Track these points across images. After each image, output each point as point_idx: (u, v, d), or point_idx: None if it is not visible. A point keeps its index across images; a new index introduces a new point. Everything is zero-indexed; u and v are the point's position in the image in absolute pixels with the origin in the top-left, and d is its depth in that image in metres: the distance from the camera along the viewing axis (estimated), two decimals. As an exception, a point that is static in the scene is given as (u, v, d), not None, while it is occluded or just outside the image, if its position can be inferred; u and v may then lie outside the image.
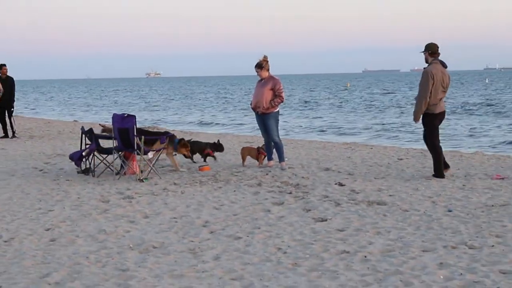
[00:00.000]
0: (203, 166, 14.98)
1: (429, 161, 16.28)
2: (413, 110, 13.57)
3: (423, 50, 13.49)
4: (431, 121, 13.42)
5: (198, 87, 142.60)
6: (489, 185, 12.37)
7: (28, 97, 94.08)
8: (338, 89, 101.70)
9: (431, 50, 13.40)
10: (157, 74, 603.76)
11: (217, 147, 16.20)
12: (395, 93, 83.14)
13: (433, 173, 13.65)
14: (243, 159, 15.78)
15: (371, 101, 62.31)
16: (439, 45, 13.43)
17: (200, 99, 78.53)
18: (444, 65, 13.42)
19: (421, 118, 13.40)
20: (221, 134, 28.83)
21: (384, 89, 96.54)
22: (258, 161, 15.65)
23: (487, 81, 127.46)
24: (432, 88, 13.08)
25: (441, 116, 13.51)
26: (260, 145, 16.04)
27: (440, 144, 13.55)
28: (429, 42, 13.51)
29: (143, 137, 14.01)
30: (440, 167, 13.53)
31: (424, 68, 13.36)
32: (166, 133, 14.87)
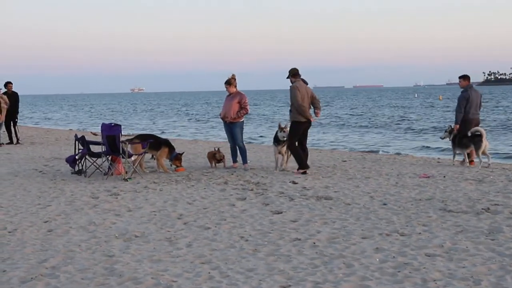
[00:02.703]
0: (179, 167, 14.89)
1: (369, 163, 16.44)
2: (291, 118, 14.04)
3: (288, 76, 14.00)
4: (296, 128, 13.84)
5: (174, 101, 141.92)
6: (417, 183, 12.45)
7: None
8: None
9: (293, 73, 13.96)
10: (141, 89, 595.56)
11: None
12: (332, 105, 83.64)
13: (298, 167, 14.04)
14: (210, 162, 15.70)
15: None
16: (298, 68, 14.04)
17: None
18: (305, 82, 14.07)
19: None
20: (194, 140, 28.79)
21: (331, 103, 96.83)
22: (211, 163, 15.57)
23: (416, 96, 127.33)
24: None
25: (306, 124, 13.91)
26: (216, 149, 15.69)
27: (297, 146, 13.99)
28: (292, 67, 14.07)
29: (127, 142, 13.94)
30: (301, 161, 13.97)
31: (290, 86, 13.88)
32: (148, 139, 14.72)
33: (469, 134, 15.00)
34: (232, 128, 14.97)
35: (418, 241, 7.73)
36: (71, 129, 39.87)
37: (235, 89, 15.01)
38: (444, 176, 13.29)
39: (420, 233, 8.15)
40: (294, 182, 12.62)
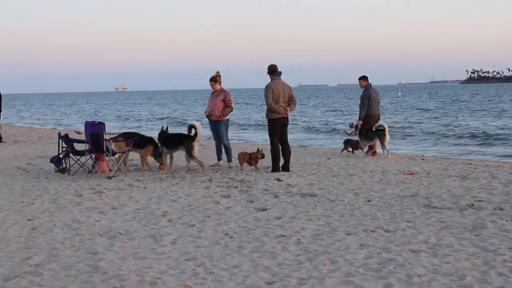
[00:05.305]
0: (162, 165, 14.85)
1: (353, 160, 16.46)
2: (266, 115, 14.09)
3: (267, 72, 13.98)
4: (272, 125, 13.90)
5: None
6: (402, 179, 12.49)
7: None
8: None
9: (270, 70, 13.94)
10: (124, 88, 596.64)
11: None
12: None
13: (271, 168, 14.11)
14: (241, 164, 14.67)
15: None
16: (277, 65, 13.98)
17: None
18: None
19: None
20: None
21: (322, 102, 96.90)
22: (250, 165, 14.60)
23: (400, 94, 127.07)
24: (273, 99, 13.63)
25: (281, 120, 13.90)
26: (255, 151, 14.69)
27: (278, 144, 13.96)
28: (270, 64, 14.04)
29: (111, 140, 13.88)
30: (276, 163, 14.00)
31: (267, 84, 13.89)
32: (132, 138, 14.66)
33: (374, 128, 16.78)
34: (217, 126, 14.93)
35: (402, 237, 7.75)
36: (55, 128, 39.69)
37: (219, 87, 14.96)
38: (428, 173, 13.35)
39: (404, 229, 8.18)
40: (278, 180, 12.62)
